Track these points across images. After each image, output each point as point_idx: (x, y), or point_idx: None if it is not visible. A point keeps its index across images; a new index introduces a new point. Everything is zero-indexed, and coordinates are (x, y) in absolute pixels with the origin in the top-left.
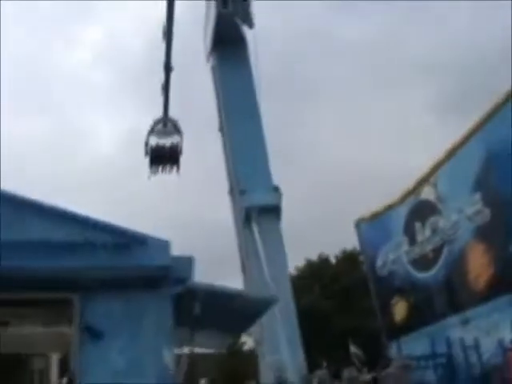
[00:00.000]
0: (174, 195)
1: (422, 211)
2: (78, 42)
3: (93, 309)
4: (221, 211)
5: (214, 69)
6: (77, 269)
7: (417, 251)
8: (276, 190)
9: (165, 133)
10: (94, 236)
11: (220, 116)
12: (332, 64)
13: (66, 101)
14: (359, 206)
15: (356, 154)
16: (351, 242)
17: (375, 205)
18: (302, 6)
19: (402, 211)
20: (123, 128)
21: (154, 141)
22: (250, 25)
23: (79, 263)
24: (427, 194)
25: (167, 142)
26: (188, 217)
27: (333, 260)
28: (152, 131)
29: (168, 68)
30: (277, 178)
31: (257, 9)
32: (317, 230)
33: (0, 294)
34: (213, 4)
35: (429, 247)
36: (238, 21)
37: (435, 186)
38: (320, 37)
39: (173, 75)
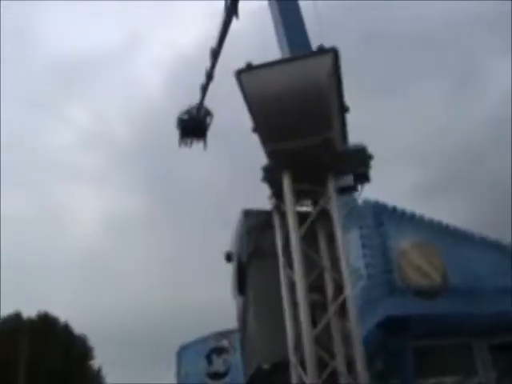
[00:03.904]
0: None
1: None
2: (64, 123)
3: None
4: None
5: None
6: None
7: None
8: None
9: (197, 115)
10: None
11: None
12: None
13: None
14: None
15: None
16: None
17: None
18: None
19: None
20: (108, 211)
21: (185, 116)
22: None
23: None
24: None
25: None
26: None
27: None
28: (186, 111)
29: (216, 54)
30: None
31: None
32: None
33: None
34: None
35: None
36: None
37: None
38: None
39: None
